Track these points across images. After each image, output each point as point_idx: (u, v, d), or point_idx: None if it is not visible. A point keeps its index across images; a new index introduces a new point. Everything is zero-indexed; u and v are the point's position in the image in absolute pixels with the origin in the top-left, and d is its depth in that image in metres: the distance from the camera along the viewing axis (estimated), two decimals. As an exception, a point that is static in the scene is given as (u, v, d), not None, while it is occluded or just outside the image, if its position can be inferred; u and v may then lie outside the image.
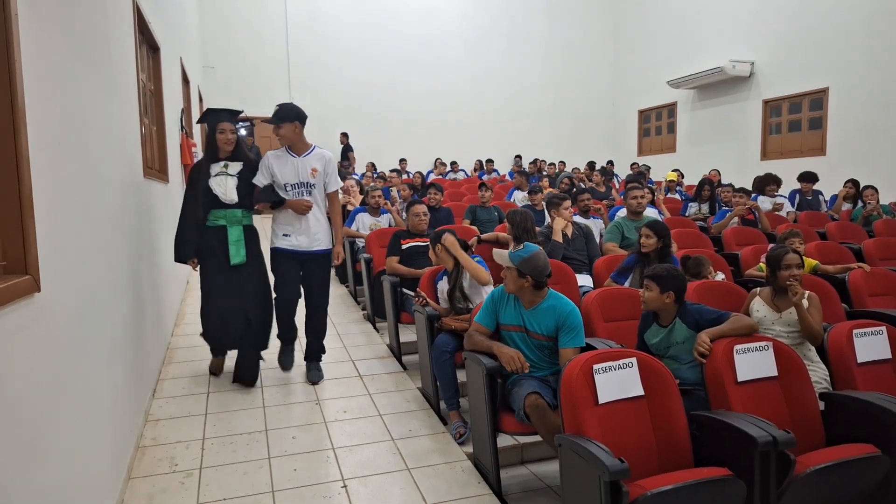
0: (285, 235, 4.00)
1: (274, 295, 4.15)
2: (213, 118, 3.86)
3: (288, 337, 4.33)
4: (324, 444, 3.33)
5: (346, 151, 13.24)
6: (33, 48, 1.82)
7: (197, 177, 3.82)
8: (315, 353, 4.31)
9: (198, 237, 3.85)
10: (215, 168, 3.84)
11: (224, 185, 3.81)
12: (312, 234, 4.01)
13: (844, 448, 2.36)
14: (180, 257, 3.92)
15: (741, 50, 12.25)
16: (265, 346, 4.13)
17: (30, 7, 1.81)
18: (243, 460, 3.14)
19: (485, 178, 12.92)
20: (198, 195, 3.78)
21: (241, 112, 3.97)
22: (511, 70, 15.69)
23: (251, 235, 3.98)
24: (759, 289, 3.47)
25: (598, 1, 16.41)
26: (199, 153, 7.91)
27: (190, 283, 6.83)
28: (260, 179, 3.94)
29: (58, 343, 1.98)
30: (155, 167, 4.95)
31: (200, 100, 11.00)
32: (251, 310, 3.95)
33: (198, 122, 4.29)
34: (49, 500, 1.81)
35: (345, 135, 13.46)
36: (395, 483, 2.98)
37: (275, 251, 4.05)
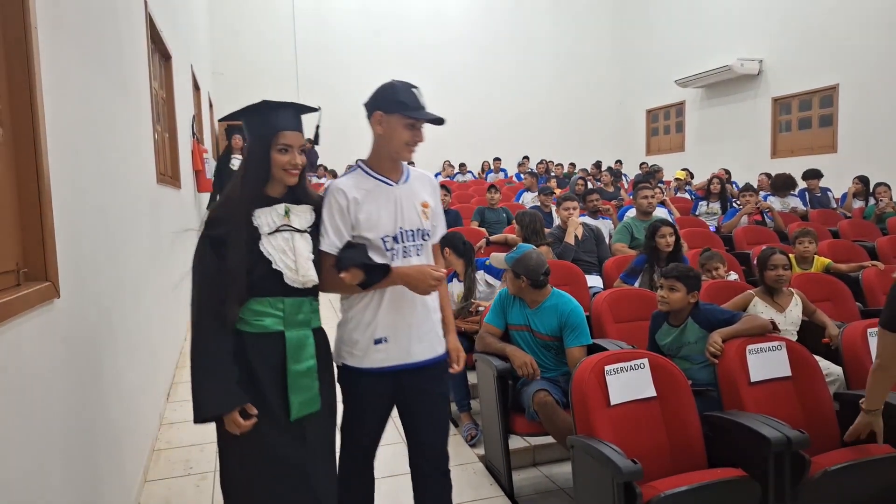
0: (379, 342, 2.05)
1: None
2: (271, 120, 1.93)
3: None
4: (336, 445, 3.34)
5: (314, 160, 12.68)
6: (51, 59, 1.86)
7: (223, 233, 1.86)
8: None
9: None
10: (269, 217, 1.91)
11: (291, 250, 1.90)
12: (426, 330, 2.13)
13: (860, 448, 2.35)
14: (219, 404, 1.87)
15: (749, 48, 12.18)
16: None
17: (48, 19, 1.84)
18: (258, 463, 3.15)
19: (491, 176, 12.94)
20: (236, 270, 1.84)
21: (316, 109, 2.10)
22: (518, 71, 15.68)
23: (324, 351, 2.05)
24: (754, 290, 3.47)
25: (604, 1, 16.38)
26: (210, 160, 7.98)
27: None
28: (331, 240, 1.99)
29: (76, 348, 2.01)
30: (168, 173, 4.99)
31: (210, 106, 11.08)
32: None
33: (223, 120, 2.38)
34: (67, 502, 1.83)
35: (310, 140, 13.06)
36: (408, 485, 2.98)
37: (354, 375, 2.10)
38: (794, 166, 9.57)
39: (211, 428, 3.57)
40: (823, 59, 10.74)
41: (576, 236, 4.87)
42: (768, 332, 2.78)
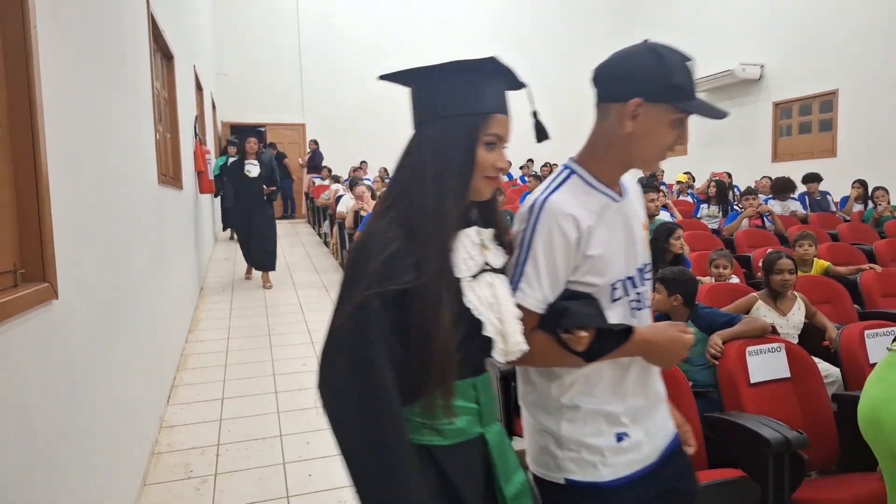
0: (623, 437, 1.33)
1: None
2: (481, 93, 1.24)
3: None
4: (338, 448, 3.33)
5: (319, 162, 12.77)
6: (51, 58, 1.86)
7: (410, 283, 1.09)
8: None
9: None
10: (465, 249, 1.18)
11: (497, 303, 1.18)
12: (663, 404, 1.47)
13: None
14: None
15: (751, 53, 12.20)
16: None
17: (48, 17, 1.85)
18: (258, 466, 3.15)
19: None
20: (444, 345, 1.09)
21: (523, 84, 1.46)
22: (523, 75, 15.66)
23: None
24: (757, 293, 3.47)
25: (608, 6, 16.42)
26: (212, 159, 7.98)
27: (203, 290, 6.88)
28: (543, 294, 1.26)
29: (75, 350, 2.01)
30: (169, 174, 5.00)
31: (213, 107, 11.10)
32: None
33: (386, 78, 1.30)
34: None
35: (315, 142, 13.20)
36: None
37: (594, 495, 1.31)
38: (795, 170, 9.58)
39: (212, 431, 3.59)
40: (824, 64, 10.76)
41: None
42: (768, 333, 2.79)
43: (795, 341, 3.20)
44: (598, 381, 1.32)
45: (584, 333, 1.20)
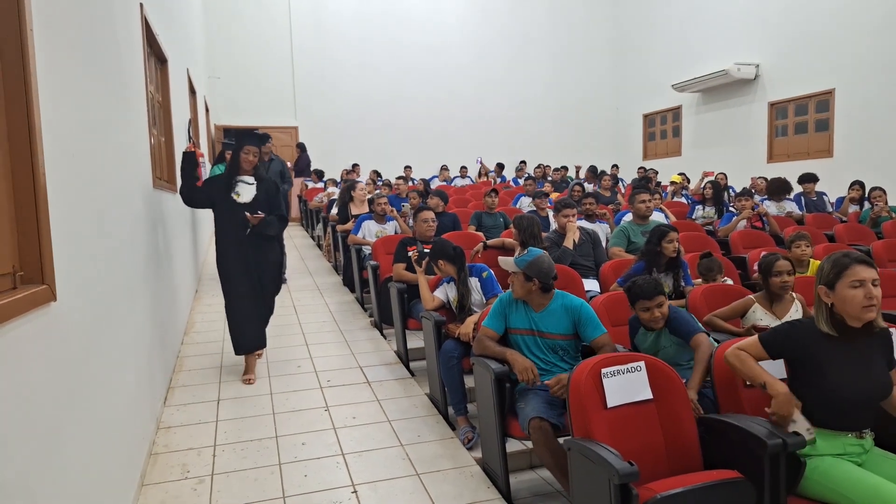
0: None
1: None
2: None
3: None
4: (333, 449, 3.35)
5: (307, 164, 12.39)
6: (47, 62, 1.86)
7: None
8: None
9: None
10: None
11: None
12: None
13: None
14: None
15: (746, 52, 12.25)
16: None
17: (44, 23, 1.85)
18: (254, 466, 3.16)
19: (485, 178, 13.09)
20: None
21: None
22: (515, 76, 15.73)
23: None
24: (754, 295, 3.48)
25: (601, 6, 16.46)
26: (206, 164, 7.95)
27: (199, 292, 6.87)
28: None
29: (73, 352, 2.01)
30: (164, 177, 5.00)
31: (207, 110, 11.08)
32: None
33: None
34: (65, 506, 1.83)
35: (300, 146, 12.70)
36: (405, 489, 2.99)
37: None
38: (791, 170, 9.62)
39: (208, 432, 3.59)
40: (819, 63, 10.80)
41: (573, 240, 4.90)
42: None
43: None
44: None
45: None
